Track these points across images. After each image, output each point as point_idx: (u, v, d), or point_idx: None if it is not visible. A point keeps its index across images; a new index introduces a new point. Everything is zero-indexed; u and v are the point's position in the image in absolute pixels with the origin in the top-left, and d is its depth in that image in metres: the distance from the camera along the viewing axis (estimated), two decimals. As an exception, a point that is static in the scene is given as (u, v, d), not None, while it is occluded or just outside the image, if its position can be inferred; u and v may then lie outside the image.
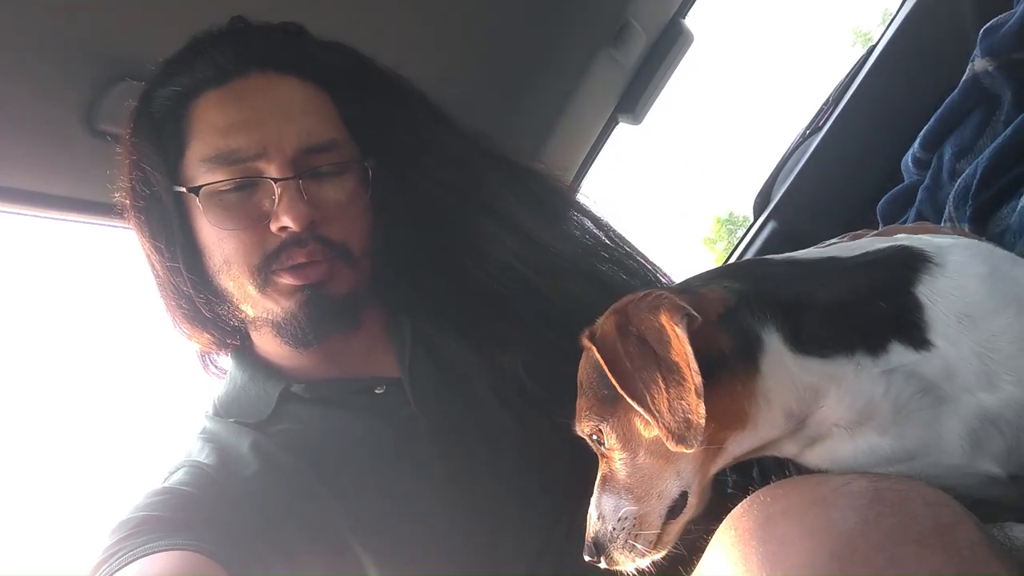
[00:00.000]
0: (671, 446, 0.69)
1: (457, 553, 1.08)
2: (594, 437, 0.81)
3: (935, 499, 0.60)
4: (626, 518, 0.78)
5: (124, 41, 1.28)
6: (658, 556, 0.79)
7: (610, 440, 0.79)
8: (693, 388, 0.67)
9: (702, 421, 0.66)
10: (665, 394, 0.68)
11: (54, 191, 1.40)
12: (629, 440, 0.78)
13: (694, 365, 0.67)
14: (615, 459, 0.80)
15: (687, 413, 0.67)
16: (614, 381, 0.72)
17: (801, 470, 0.78)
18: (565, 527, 1.10)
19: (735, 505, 0.67)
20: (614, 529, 0.79)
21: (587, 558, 0.82)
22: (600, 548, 0.80)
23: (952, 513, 0.59)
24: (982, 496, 0.69)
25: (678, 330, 0.68)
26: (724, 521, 0.66)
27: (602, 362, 0.73)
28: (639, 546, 0.78)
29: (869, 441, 0.71)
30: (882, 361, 0.70)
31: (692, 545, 0.80)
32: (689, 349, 0.67)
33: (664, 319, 0.70)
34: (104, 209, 1.32)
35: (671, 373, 0.68)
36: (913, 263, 0.72)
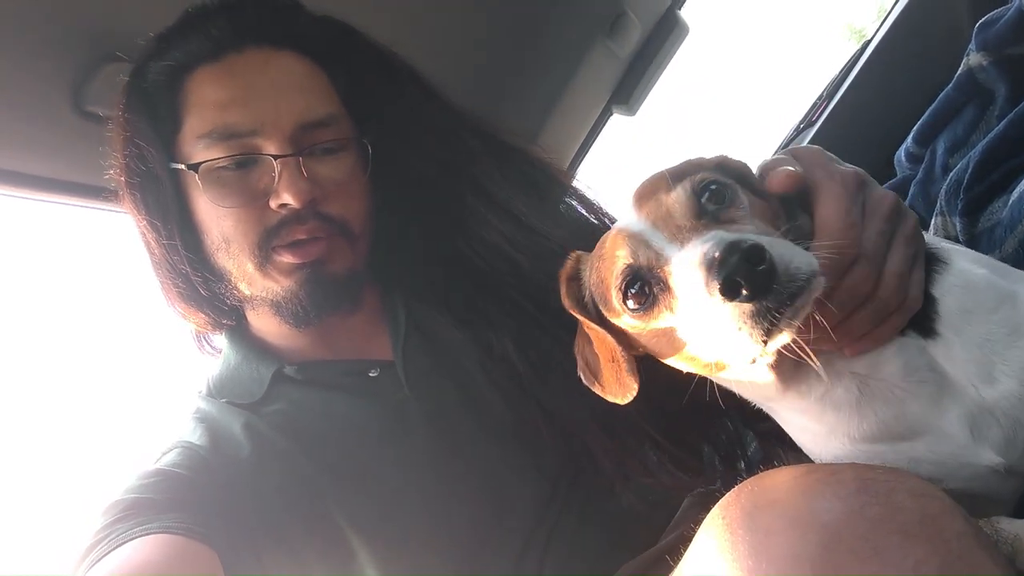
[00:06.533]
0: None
1: (448, 535, 1.08)
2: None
3: (922, 490, 0.60)
4: (802, 268, 0.59)
5: (113, 20, 1.25)
6: (784, 341, 0.62)
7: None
8: None
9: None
10: None
11: (40, 172, 1.38)
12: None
13: None
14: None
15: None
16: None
17: (791, 460, 0.78)
18: (557, 506, 1.11)
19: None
20: (788, 273, 0.59)
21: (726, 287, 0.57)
22: (768, 281, 0.58)
23: (939, 504, 0.59)
24: (980, 490, 0.70)
25: None
26: (713, 508, 0.66)
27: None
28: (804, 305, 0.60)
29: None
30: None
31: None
32: None
33: None
34: (92, 191, 1.31)
35: None
36: (928, 261, 0.76)
